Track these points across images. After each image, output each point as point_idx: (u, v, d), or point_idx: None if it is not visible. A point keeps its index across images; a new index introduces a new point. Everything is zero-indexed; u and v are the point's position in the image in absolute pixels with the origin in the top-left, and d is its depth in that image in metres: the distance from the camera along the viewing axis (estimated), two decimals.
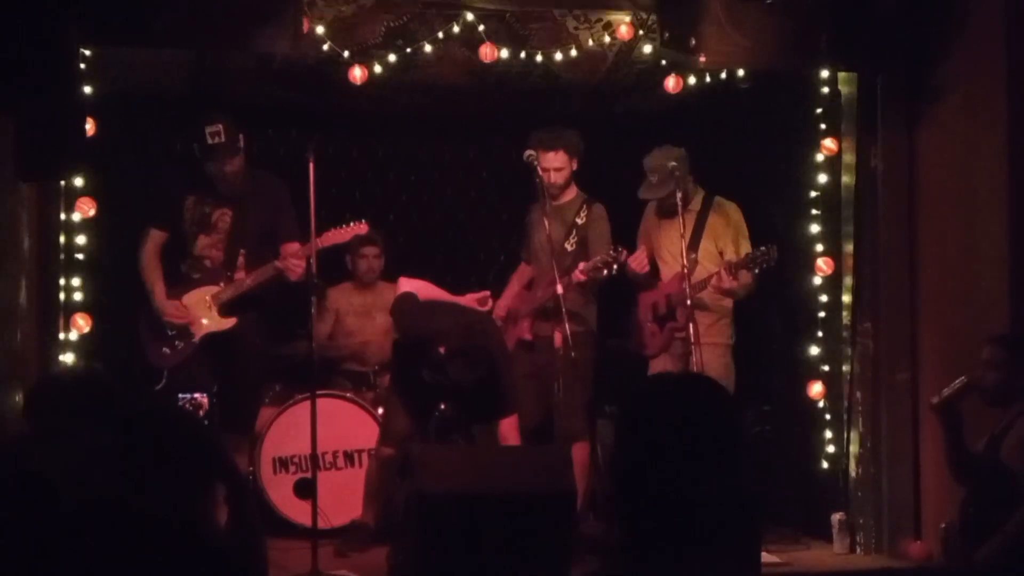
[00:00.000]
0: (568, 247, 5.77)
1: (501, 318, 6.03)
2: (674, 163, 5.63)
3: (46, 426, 2.17)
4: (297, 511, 5.75)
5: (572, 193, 5.90)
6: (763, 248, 5.57)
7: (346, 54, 5.54)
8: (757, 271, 5.62)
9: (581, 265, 5.57)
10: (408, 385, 5.54)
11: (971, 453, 4.60)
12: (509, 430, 5.48)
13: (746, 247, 5.79)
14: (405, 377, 5.58)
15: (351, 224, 5.54)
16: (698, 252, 5.77)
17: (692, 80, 5.92)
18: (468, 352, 5.23)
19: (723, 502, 1.73)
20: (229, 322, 5.55)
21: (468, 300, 5.70)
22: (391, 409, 5.69)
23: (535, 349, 5.81)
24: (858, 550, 5.75)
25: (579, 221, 5.82)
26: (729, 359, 5.78)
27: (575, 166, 5.82)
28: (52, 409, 2.19)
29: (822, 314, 6.01)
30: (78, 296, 5.42)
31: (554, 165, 5.72)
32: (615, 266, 5.54)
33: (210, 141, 5.36)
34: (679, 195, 5.59)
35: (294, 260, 5.41)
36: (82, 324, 5.38)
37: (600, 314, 5.90)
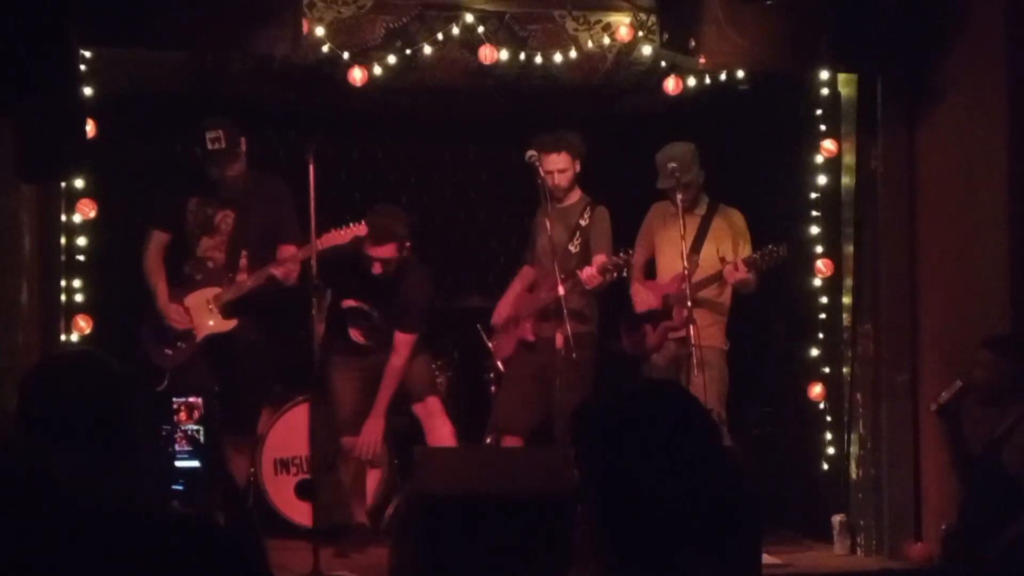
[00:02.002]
0: (572, 249, 5.79)
1: (502, 322, 6.03)
2: (673, 164, 5.65)
3: (39, 414, 2.15)
4: (298, 512, 5.75)
5: (576, 195, 5.91)
6: (771, 246, 5.58)
7: (346, 55, 5.54)
8: (765, 268, 5.62)
9: (587, 271, 5.56)
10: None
11: (972, 454, 4.63)
12: (429, 414, 5.67)
13: (747, 252, 5.79)
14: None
15: (351, 225, 5.54)
16: (700, 255, 5.79)
17: (692, 81, 5.92)
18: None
19: (700, 506, 1.71)
20: (230, 324, 5.55)
21: None
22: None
23: (536, 350, 5.82)
24: (859, 551, 5.75)
25: (582, 223, 5.83)
26: (724, 364, 5.77)
27: (578, 168, 5.83)
28: (46, 393, 2.16)
29: (822, 315, 6.01)
30: (79, 297, 5.43)
31: (557, 167, 5.74)
32: (625, 269, 5.59)
33: (210, 147, 5.37)
34: (679, 196, 5.60)
35: (290, 266, 5.44)
36: (83, 325, 5.38)
37: (600, 314, 5.90)
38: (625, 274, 5.71)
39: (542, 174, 5.65)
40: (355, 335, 5.76)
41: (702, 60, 5.38)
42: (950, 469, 4.76)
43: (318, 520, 5.30)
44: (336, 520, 5.69)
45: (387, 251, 5.56)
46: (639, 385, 1.91)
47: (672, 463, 1.72)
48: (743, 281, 5.67)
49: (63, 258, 5.40)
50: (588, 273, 5.56)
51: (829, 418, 5.98)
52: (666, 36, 5.43)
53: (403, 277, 5.69)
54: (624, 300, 6.04)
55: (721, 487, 1.74)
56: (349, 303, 5.75)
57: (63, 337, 5.35)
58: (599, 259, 5.64)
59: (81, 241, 5.45)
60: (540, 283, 5.93)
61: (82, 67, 5.11)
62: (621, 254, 5.59)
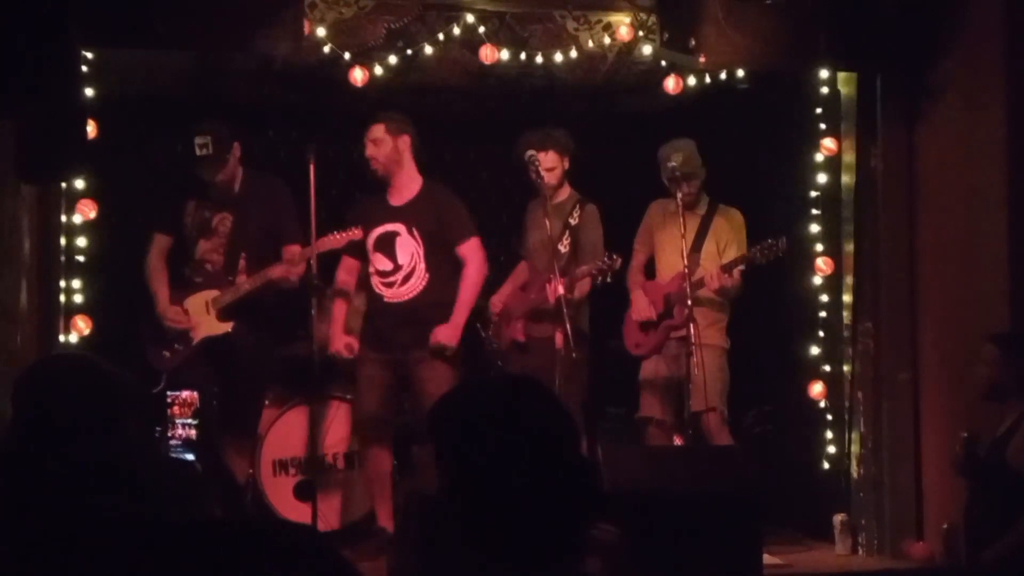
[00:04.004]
0: (562, 248, 5.77)
1: (497, 313, 6.03)
2: (673, 164, 5.66)
3: (35, 418, 2.14)
4: (297, 513, 5.75)
5: (566, 193, 5.91)
6: (770, 240, 5.57)
7: (347, 56, 5.55)
8: (765, 262, 5.61)
9: (552, 286, 5.51)
10: None
11: (976, 453, 4.63)
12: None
13: (731, 256, 5.79)
14: None
15: (347, 230, 5.53)
16: (701, 254, 5.78)
17: (692, 81, 5.92)
18: None
19: (552, 502, 1.70)
20: (226, 326, 5.53)
21: None
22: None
23: (528, 350, 5.80)
24: (860, 551, 5.75)
25: (572, 222, 5.82)
26: (724, 363, 5.77)
27: (567, 165, 5.82)
28: (42, 396, 2.15)
29: (823, 314, 6.02)
30: (78, 298, 5.43)
31: (546, 165, 5.74)
32: (609, 273, 5.55)
33: (198, 152, 5.36)
34: (679, 195, 5.60)
35: (290, 267, 5.42)
36: (82, 326, 5.38)
37: (595, 314, 5.89)
38: (609, 279, 5.63)
39: (540, 172, 5.67)
40: (376, 283, 5.53)
41: (702, 59, 5.39)
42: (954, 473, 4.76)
43: (318, 520, 5.31)
44: (354, 518, 5.71)
45: (374, 131, 5.54)
46: (495, 380, 1.90)
47: (522, 459, 1.70)
48: (722, 290, 5.67)
49: (63, 259, 5.40)
50: (552, 287, 5.48)
51: (830, 417, 5.98)
52: (666, 35, 5.44)
53: (428, 194, 5.60)
54: (624, 300, 6.04)
55: (575, 483, 1.71)
56: (378, 231, 5.53)
57: (62, 338, 5.35)
58: (581, 270, 5.63)
59: (81, 242, 5.45)
60: (532, 281, 5.92)
61: (83, 68, 5.11)
62: (606, 259, 5.55)
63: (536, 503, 1.69)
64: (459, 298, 5.49)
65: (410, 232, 5.52)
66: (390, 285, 5.53)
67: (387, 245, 5.54)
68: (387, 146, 5.55)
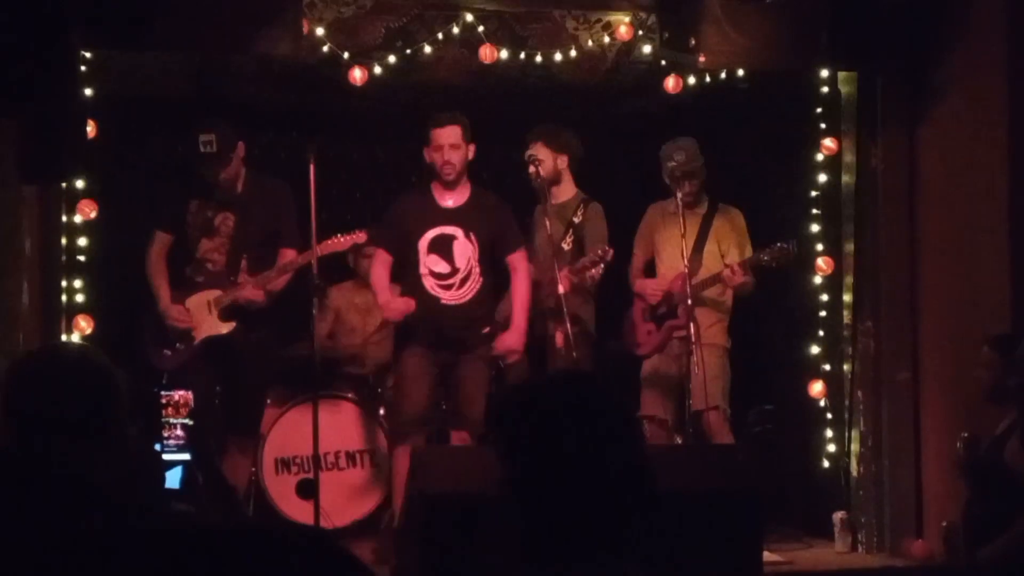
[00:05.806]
0: (565, 246, 5.77)
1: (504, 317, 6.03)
2: (674, 163, 5.66)
3: (28, 408, 2.12)
4: (299, 511, 5.76)
5: (570, 192, 5.90)
6: (780, 244, 5.56)
7: (346, 55, 5.55)
8: (776, 265, 5.60)
9: (567, 270, 5.53)
10: None
11: (976, 453, 4.63)
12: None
13: (749, 251, 5.80)
14: None
15: (351, 233, 5.53)
16: (703, 254, 5.79)
17: (692, 80, 5.93)
18: None
19: (608, 502, 1.71)
20: (228, 326, 5.54)
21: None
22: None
23: (530, 350, 5.80)
24: (860, 549, 5.76)
25: (576, 220, 5.82)
26: (726, 362, 5.77)
27: (562, 163, 5.80)
28: (36, 387, 2.13)
29: (823, 313, 6.02)
30: (80, 298, 5.44)
31: (538, 157, 5.74)
32: (602, 265, 5.53)
33: (202, 150, 5.35)
34: (679, 195, 5.60)
35: (265, 285, 5.43)
36: (84, 326, 5.39)
37: (598, 314, 5.90)
38: (602, 268, 5.62)
39: (539, 171, 5.67)
40: (431, 285, 5.41)
41: (702, 59, 5.39)
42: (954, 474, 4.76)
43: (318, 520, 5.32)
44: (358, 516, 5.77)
45: (452, 135, 5.44)
46: (560, 377, 1.90)
47: (587, 456, 1.71)
48: (742, 285, 5.66)
49: (64, 258, 5.41)
50: (559, 278, 5.44)
51: (830, 415, 5.99)
52: (666, 35, 5.45)
53: (481, 200, 5.52)
54: (625, 299, 6.04)
55: (631, 482, 1.73)
56: (432, 232, 5.41)
57: (64, 337, 5.35)
58: (577, 265, 5.62)
59: (82, 241, 5.46)
60: (537, 281, 5.92)
61: (83, 68, 5.12)
62: (598, 251, 5.51)
63: (595, 500, 1.71)
64: (517, 305, 5.50)
65: (467, 236, 5.46)
66: (448, 287, 5.45)
67: (444, 247, 5.46)
68: (456, 161, 5.48)
